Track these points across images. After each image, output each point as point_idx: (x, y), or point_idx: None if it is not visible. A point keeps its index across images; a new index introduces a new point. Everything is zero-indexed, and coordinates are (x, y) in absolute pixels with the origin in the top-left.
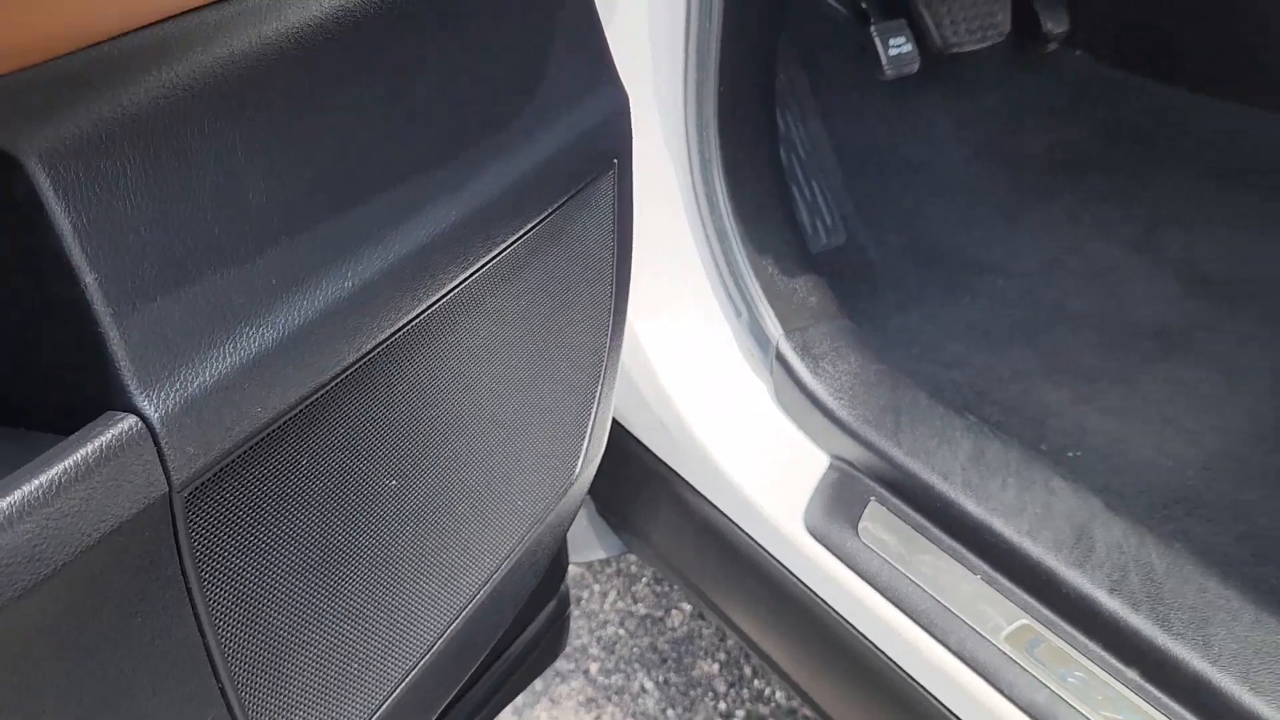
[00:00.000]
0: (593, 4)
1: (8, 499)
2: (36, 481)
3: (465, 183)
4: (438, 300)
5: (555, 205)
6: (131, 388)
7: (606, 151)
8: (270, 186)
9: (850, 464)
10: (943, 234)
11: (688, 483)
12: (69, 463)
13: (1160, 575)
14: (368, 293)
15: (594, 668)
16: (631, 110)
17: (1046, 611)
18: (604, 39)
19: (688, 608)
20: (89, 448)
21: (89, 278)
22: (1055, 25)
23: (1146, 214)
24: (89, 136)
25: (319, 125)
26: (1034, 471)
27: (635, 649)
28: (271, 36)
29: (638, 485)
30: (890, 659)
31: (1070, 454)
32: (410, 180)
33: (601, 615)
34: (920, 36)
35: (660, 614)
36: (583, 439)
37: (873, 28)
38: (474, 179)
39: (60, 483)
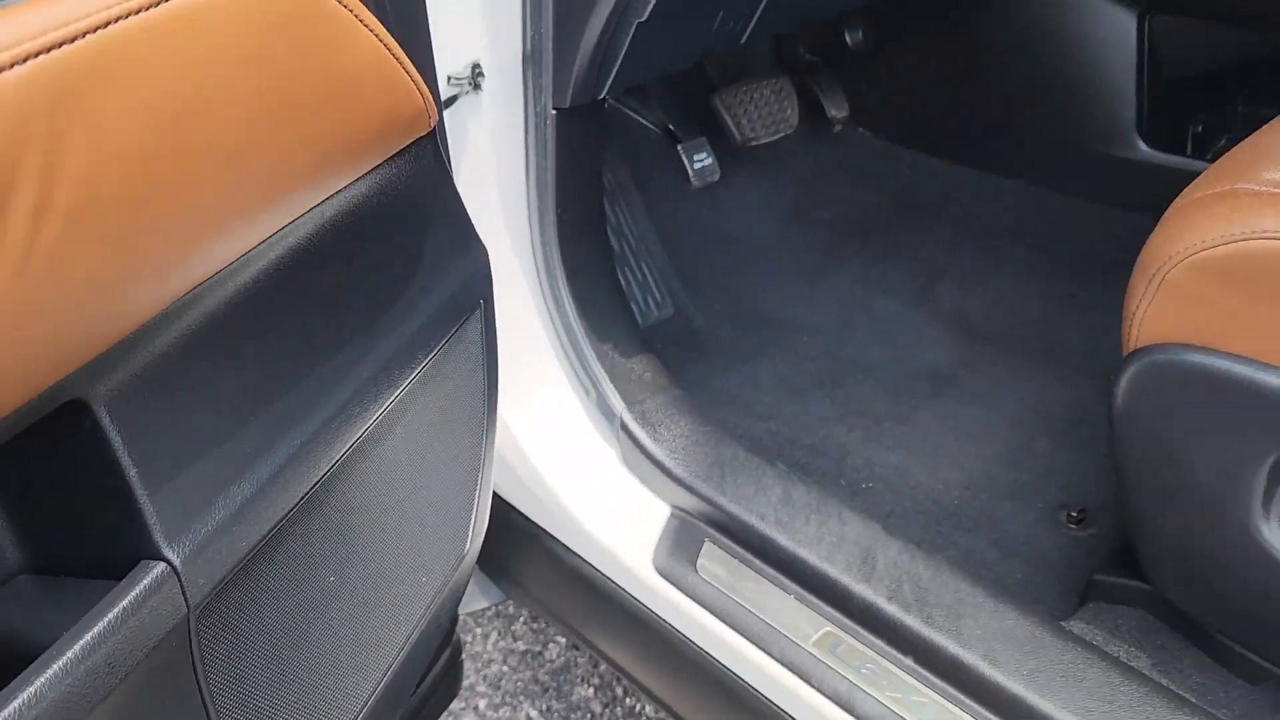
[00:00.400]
0: (452, 184)
1: (88, 635)
2: (105, 619)
3: (372, 349)
4: (359, 437)
5: (438, 345)
6: (160, 543)
7: (474, 296)
8: (243, 387)
9: (687, 513)
10: (755, 298)
11: (555, 538)
12: (124, 603)
13: (926, 582)
14: (311, 444)
15: (482, 704)
16: (489, 247)
17: (844, 619)
18: (462, 207)
19: (563, 641)
20: (136, 590)
21: (132, 473)
22: (838, 111)
23: (923, 271)
24: (133, 380)
25: (269, 340)
26: (831, 506)
27: (518, 682)
28: (232, 293)
29: (514, 543)
30: (729, 669)
31: (864, 486)
32: (334, 358)
33: (486, 655)
34: (724, 135)
35: (538, 648)
36: (470, 518)
37: (680, 146)
38: (378, 345)
39: (120, 617)
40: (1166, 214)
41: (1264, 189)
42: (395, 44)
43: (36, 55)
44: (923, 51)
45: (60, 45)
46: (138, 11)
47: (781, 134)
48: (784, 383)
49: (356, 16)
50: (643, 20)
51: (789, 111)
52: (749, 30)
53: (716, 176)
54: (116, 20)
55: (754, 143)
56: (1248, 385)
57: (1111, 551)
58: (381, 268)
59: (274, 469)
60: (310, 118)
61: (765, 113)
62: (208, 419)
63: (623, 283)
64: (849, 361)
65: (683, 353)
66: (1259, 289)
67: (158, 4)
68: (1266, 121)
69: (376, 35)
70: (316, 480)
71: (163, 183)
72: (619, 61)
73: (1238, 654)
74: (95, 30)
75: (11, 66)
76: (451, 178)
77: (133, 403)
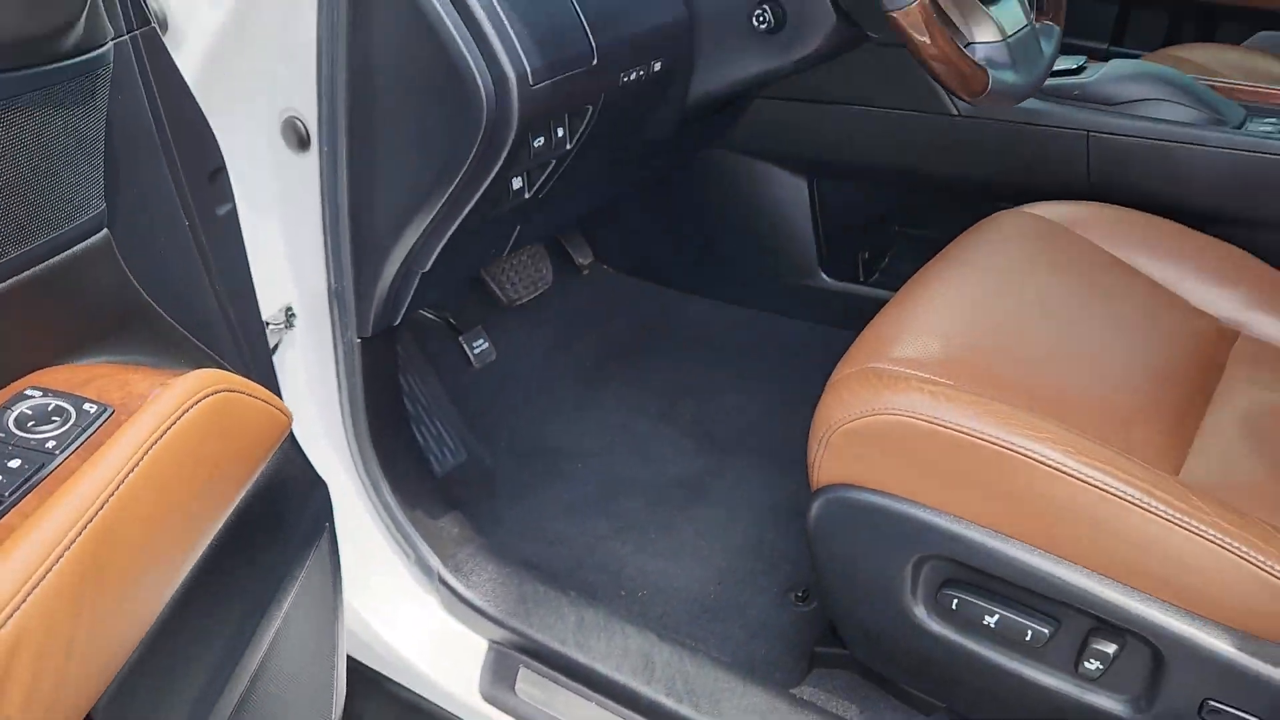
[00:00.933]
0: (296, 442)
1: None
2: None
3: (255, 604)
4: (255, 664)
5: (300, 573)
6: None
7: (322, 523)
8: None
9: (503, 645)
10: (534, 431)
11: (396, 682)
12: None
13: (693, 673)
14: (231, 680)
15: None
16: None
17: (637, 717)
18: (303, 454)
19: None
20: None
21: None
22: (583, 258)
23: (669, 390)
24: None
25: (192, 630)
26: (615, 623)
27: None
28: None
29: (364, 695)
30: None
31: (640, 594)
32: (235, 618)
33: None
34: (494, 300)
35: None
36: (332, 692)
37: (460, 338)
38: (257, 597)
39: None
40: (827, 386)
41: (889, 367)
42: (276, 401)
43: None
44: (651, 205)
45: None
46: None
47: (541, 290)
48: (566, 507)
49: (254, 395)
50: (426, 271)
51: (544, 270)
52: (515, 244)
53: (494, 356)
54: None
55: (519, 302)
56: (892, 512)
57: (830, 625)
58: (259, 548)
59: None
60: (220, 488)
61: (525, 275)
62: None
63: (419, 439)
64: (617, 479)
65: (479, 492)
66: (890, 448)
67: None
68: (917, 238)
69: (270, 404)
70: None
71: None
72: (409, 298)
73: (915, 696)
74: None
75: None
76: (294, 437)
77: None
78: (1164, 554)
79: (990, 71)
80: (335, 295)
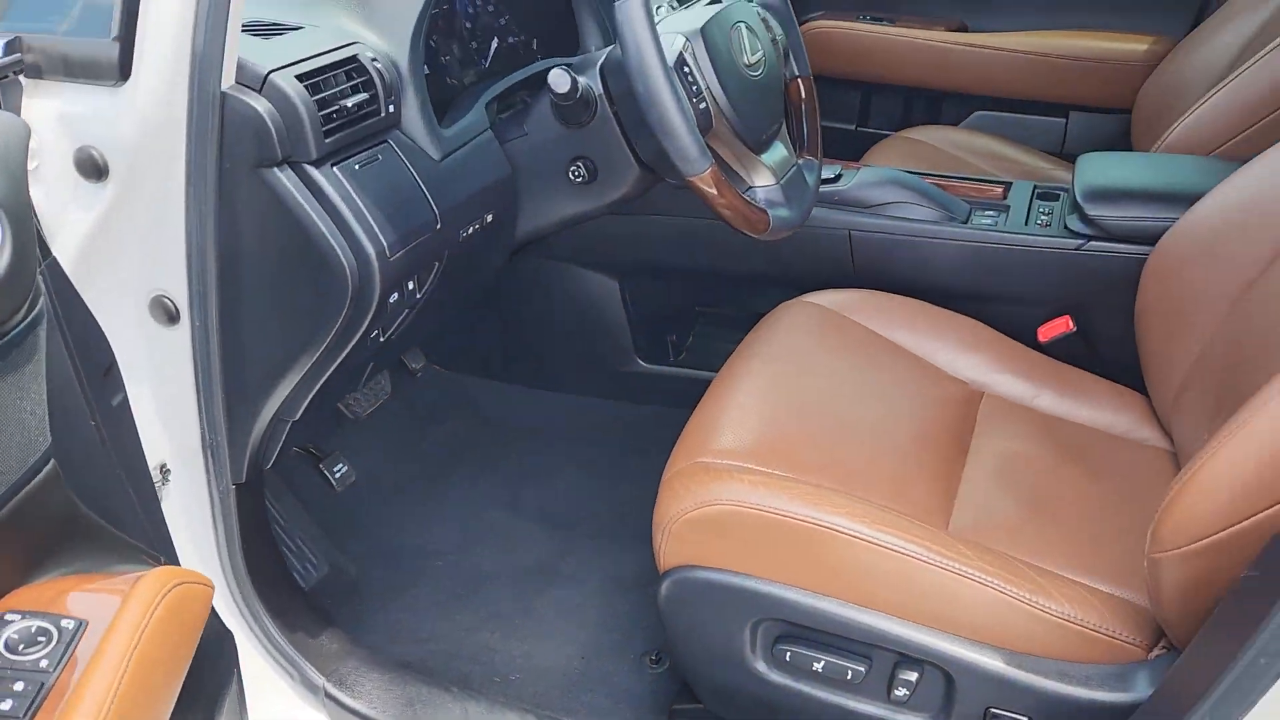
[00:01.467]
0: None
1: None
2: None
3: None
4: None
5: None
6: None
7: (231, 672)
8: None
9: None
10: (393, 534)
11: None
12: None
13: None
14: None
15: None
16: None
17: None
18: (218, 618)
19: None
20: None
21: None
22: (415, 363)
23: (512, 480)
24: None
25: None
26: (496, 709)
27: None
28: None
29: None
30: None
31: (513, 678)
32: None
33: None
34: (343, 415)
35: None
36: None
37: (320, 465)
38: None
39: None
40: (663, 482)
41: (713, 461)
42: (204, 577)
43: None
44: (478, 308)
45: None
46: None
47: (382, 400)
48: (433, 604)
49: (193, 580)
50: (296, 420)
51: (382, 381)
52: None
53: (354, 478)
54: None
55: (364, 414)
56: (730, 585)
57: (683, 683)
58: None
59: None
60: (181, 665)
61: (365, 389)
62: None
63: (287, 561)
64: (476, 571)
65: (349, 602)
66: (723, 532)
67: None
68: (714, 317)
69: (201, 582)
70: None
71: None
72: (280, 445)
73: None
74: None
75: None
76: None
77: None
78: (943, 596)
79: (770, 212)
80: (209, 449)
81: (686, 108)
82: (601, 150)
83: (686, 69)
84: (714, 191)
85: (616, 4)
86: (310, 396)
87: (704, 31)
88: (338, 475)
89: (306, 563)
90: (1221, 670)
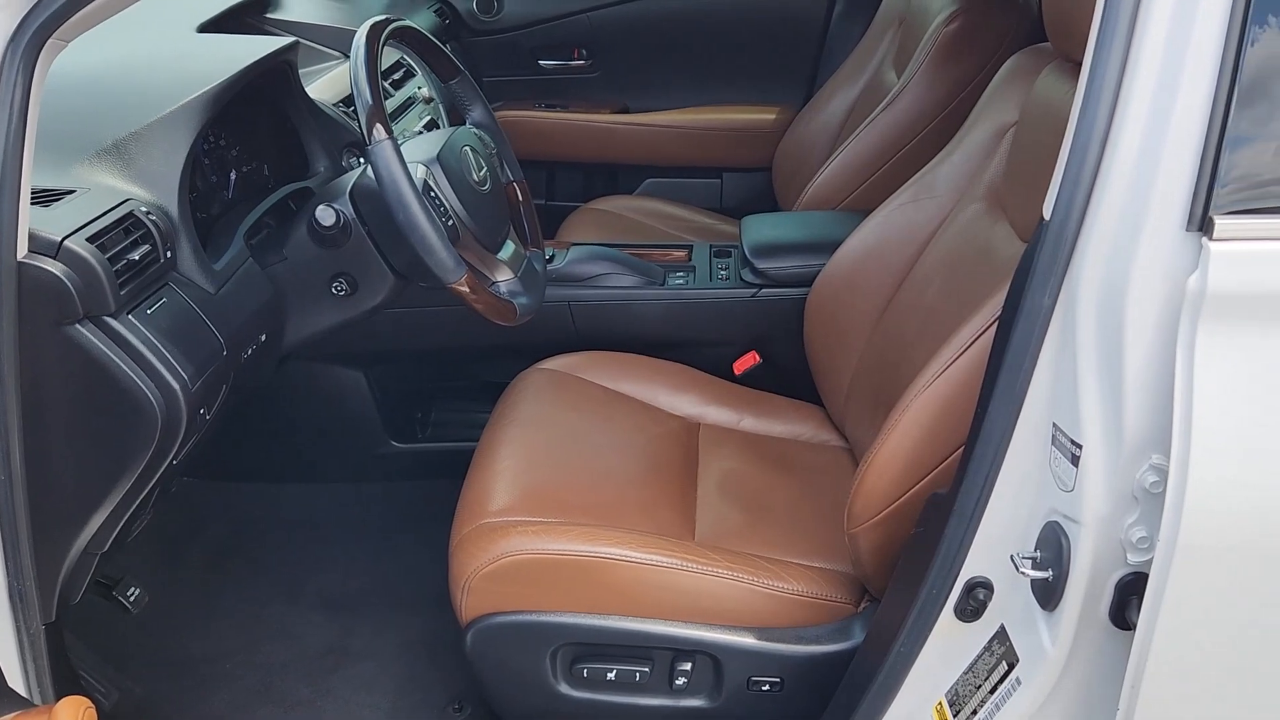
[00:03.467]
0: None
1: None
2: None
3: None
4: None
5: None
6: None
7: None
8: None
9: None
10: (179, 648)
11: None
12: None
13: None
14: None
15: None
16: None
17: None
18: None
19: None
20: None
21: None
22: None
23: (286, 573)
24: None
25: None
26: None
27: None
28: None
29: None
30: None
31: None
32: None
33: None
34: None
35: None
36: None
37: (114, 592)
38: None
39: None
40: (454, 545)
41: (495, 521)
42: None
43: None
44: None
45: None
46: None
47: (144, 521)
48: (232, 707)
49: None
50: (104, 551)
51: None
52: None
53: (147, 599)
54: None
55: (129, 538)
56: (527, 624)
57: None
58: None
59: None
60: None
61: None
62: None
63: (84, 687)
64: (268, 666)
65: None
66: (515, 579)
67: None
68: (455, 390)
69: None
70: None
71: None
72: (87, 580)
73: None
74: None
75: None
76: None
77: None
78: (701, 595)
79: (514, 301)
80: (17, 595)
81: (439, 227)
82: (360, 266)
83: (432, 192)
84: (469, 292)
85: (370, 149)
86: (118, 528)
87: (440, 158)
88: (132, 598)
89: (95, 691)
90: (907, 609)
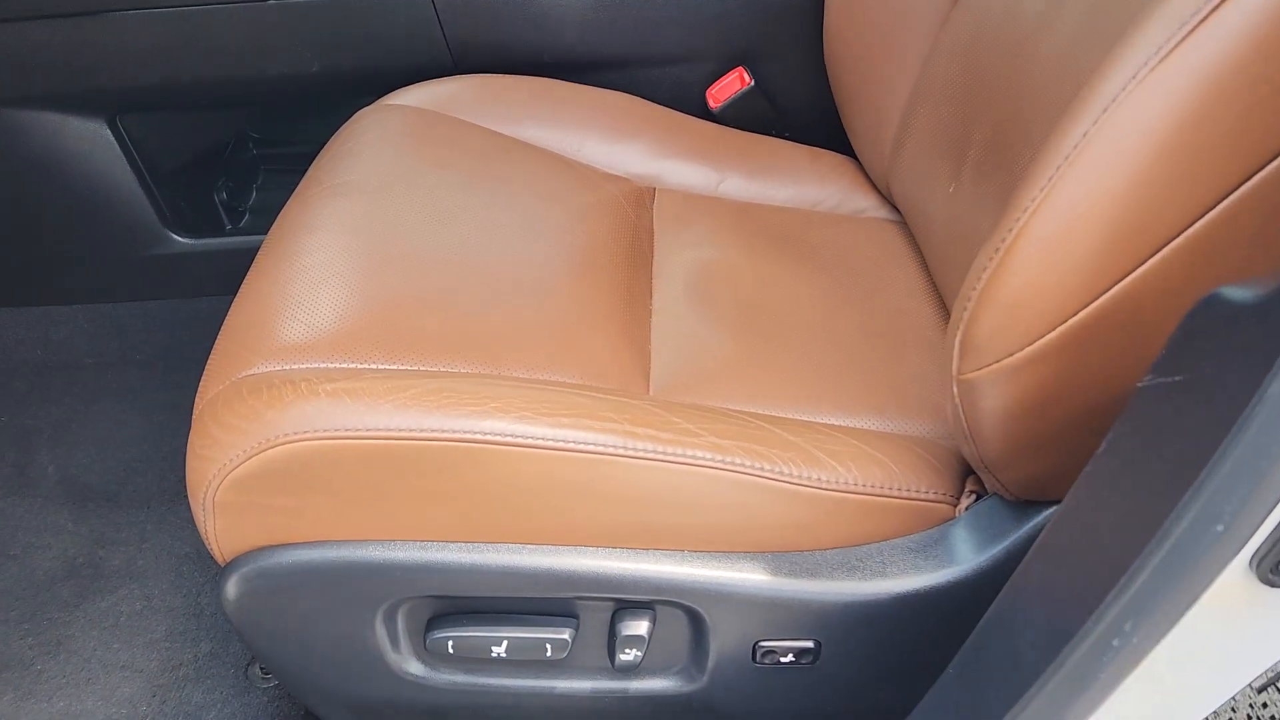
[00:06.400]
0: None
1: None
2: None
3: None
4: None
5: None
6: None
7: None
8: None
9: None
10: None
11: None
12: None
13: None
14: None
15: None
16: None
17: None
18: None
19: None
20: None
21: None
22: None
23: (15, 438)
24: None
25: None
26: None
27: None
28: None
29: None
30: None
31: None
32: None
33: None
34: None
35: None
36: None
37: None
38: None
39: None
40: (193, 423)
41: (267, 370)
42: None
43: None
44: None
45: None
46: None
47: None
48: None
49: None
50: None
51: None
52: None
53: None
54: None
55: None
56: (333, 564)
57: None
58: None
59: None
60: None
61: None
62: None
63: None
64: None
65: None
66: (299, 486)
67: None
68: (283, 157)
69: None
70: None
71: None
72: None
73: None
74: None
75: None
76: None
77: None
78: (663, 498)
79: None
80: None
81: None
82: None
83: None
84: None
85: None
86: None
87: None
88: None
89: None
90: (1128, 545)
